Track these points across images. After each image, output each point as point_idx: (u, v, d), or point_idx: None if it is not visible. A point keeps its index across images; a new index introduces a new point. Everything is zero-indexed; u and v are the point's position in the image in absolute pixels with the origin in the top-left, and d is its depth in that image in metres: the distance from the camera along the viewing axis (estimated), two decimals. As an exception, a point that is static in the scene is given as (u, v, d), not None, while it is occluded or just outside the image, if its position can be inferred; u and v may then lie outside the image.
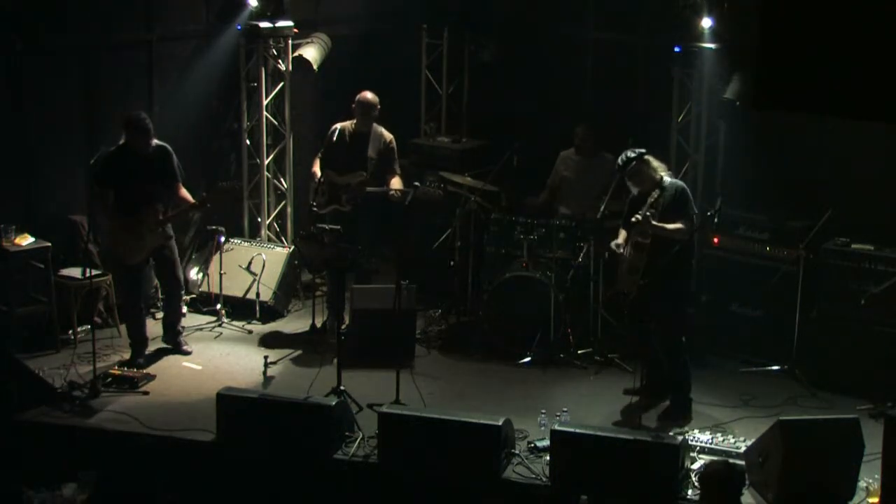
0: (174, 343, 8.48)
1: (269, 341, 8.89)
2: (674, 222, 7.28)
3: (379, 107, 8.76)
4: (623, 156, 7.45)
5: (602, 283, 8.64)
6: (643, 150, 7.46)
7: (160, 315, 8.75)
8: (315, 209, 8.50)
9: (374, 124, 8.78)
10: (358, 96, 8.76)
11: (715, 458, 6.57)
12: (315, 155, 9.03)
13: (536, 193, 9.36)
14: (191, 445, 7.03)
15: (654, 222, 7.27)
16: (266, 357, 8.14)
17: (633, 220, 7.37)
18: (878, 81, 3.27)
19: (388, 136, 8.81)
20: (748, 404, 7.80)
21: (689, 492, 6.40)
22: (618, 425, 7.30)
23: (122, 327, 8.56)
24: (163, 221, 8.11)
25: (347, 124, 8.78)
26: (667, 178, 7.43)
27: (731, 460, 6.15)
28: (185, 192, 8.26)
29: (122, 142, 8.03)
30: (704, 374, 8.22)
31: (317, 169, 8.79)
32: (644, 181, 7.41)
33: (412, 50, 10.68)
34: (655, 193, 7.33)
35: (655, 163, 7.48)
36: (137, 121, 7.92)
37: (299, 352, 8.60)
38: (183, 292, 8.63)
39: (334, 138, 8.72)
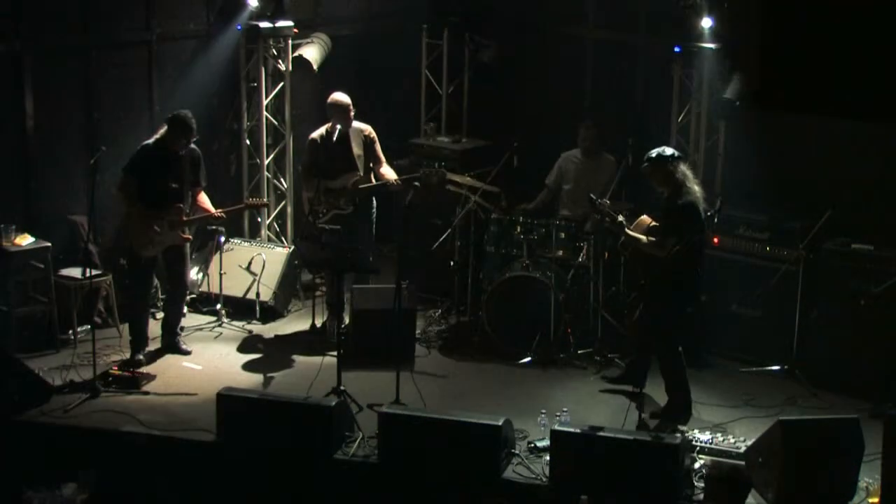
0: (172, 345, 8.47)
1: (269, 341, 8.89)
2: (662, 234, 7.27)
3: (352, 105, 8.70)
4: (662, 150, 7.33)
5: (602, 283, 8.64)
6: (681, 155, 7.42)
7: (160, 315, 8.75)
8: (315, 220, 8.49)
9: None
10: (332, 100, 8.65)
11: (720, 459, 6.57)
12: (298, 166, 8.96)
13: (529, 199, 9.30)
14: (191, 445, 7.03)
15: (627, 231, 7.34)
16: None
17: (619, 219, 7.40)
18: (879, 81, 3.26)
19: (367, 127, 8.76)
20: (748, 404, 7.79)
21: (689, 492, 6.40)
22: (617, 425, 7.29)
23: (123, 327, 8.57)
24: (185, 222, 8.16)
25: (323, 130, 8.71)
26: (688, 188, 7.28)
27: (733, 461, 6.16)
28: (204, 199, 8.34)
29: (158, 136, 8.09)
30: (704, 374, 8.23)
31: (309, 181, 8.73)
32: (662, 182, 7.35)
33: (412, 50, 10.68)
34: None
35: (684, 169, 7.36)
36: (184, 119, 8.01)
37: (299, 352, 8.60)
38: (187, 293, 8.64)
39: (316, 147, 8.69)
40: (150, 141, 8.15)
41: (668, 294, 7.29)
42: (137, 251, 8.14)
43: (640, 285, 7.32)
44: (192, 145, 8.20)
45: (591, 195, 7.89)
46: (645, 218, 7.61)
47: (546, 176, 9.29)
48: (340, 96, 8.65)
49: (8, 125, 8.48)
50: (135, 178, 8.05)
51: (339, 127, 8.58)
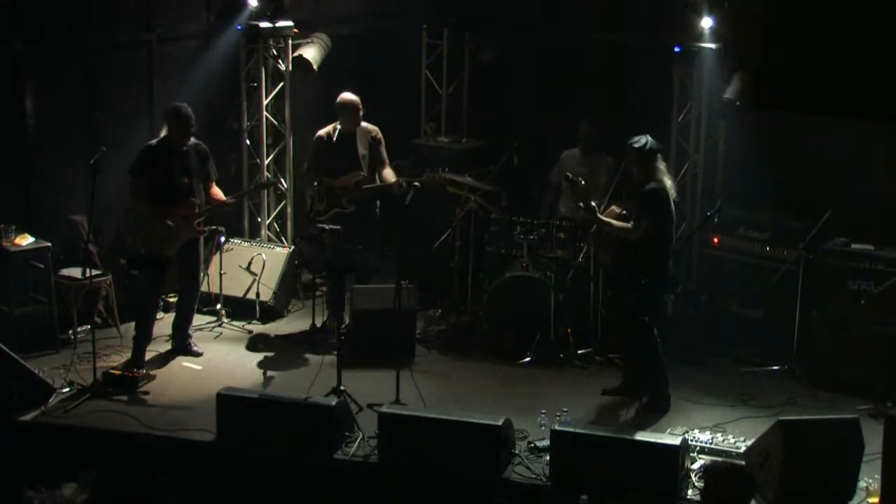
0: (183, 346, 8.45)
1: (268, 341, 8.89)
2: (635, 217, 7.35)
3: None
4: (646, 139, 7.39)
5: (602, 283, 8.64)
6: (661, 147, 7.54)
7: (160, 315, 8.74)
8: (316, 218, 8.48)
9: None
10: (341, 99, 8.69)
11: (718, 459, 6.56)
12: (304, 163, 9.01)
13: (544, 197, 9.35)
14: (191, 445, 7.03)
15: (599, 216, 7.49)
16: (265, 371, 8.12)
17: (591, 204, 7.52)
18: (878, 81, 3.27)
19: (373, 128, 8.79)
20: (748, 404, 7.79)
21: (690, 492, 6.40)
22: (616, 425, 7.30)
23: (123, 327, 8.56)
24: (198, 214, 8.15)
25: (330, 128, 8.74)
26: (660, 178, 7.41)
27: (734, 461, 6.15)
28: (217, 191, 8.36)
29: (163, 134, 8.10)
30: (704, 374, 8.23)
31: (312, 178, 8.75)
32: (640, 171, 7.43)
33: (412, 50, 10.68)
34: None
35: (661, 163, 7.51)
36: (178, 110, 8.02)
37: (299, 352, 8.60)
38: (199, 292, 8.65)
39: (322, 145, 8.71)
40: (153, 141, 8.18)
41: (638, 287, 7.30)
42: (155, 251, 8.11)
43: (640, 285, 7.30)
44: (197, 140, 8.20)
45: (568, 174, 8.00)
46: (614, 208, 7.73)
47: (549, 174, 9.28)
48: (350, 96, 8.69)
49: (8, 125, 8.48)
50: (144, 179, 8.05)
51: (339, 126, 8.59)
